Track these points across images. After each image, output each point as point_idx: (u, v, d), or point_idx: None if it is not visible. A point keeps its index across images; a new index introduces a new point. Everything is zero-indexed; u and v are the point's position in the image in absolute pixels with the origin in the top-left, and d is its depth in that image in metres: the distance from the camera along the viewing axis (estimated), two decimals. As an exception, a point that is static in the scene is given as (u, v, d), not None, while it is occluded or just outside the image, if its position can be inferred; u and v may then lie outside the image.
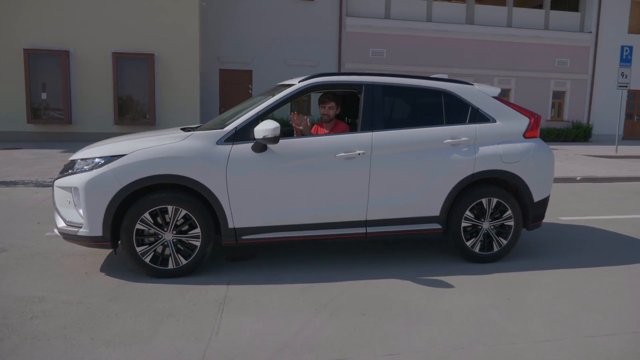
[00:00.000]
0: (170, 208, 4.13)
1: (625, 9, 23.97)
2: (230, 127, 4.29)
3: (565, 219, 7.05)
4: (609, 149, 18.97)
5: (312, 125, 5.28)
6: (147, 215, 4.10)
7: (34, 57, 16.48)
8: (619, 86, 17.11)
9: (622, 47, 17.15)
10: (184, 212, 4.16)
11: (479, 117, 4.76)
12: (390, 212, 4.51)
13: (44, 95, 16.77)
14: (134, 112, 17.34)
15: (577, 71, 23.93)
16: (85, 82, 16.99)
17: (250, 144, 4.24)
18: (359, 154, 4.39)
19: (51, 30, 16.62)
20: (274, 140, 4.09)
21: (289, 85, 4.59)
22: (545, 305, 3.83)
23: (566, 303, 3.89)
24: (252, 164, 4.19)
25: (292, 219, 4.33)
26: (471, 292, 4.05)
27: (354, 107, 5.06)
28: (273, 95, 4.52)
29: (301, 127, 4.93)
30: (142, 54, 17.12)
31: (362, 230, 4.50)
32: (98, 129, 17.16)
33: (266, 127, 4.09)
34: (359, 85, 4.60)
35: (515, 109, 4.85)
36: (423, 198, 4.56)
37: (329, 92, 4.90)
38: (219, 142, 4.22)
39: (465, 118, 4.74)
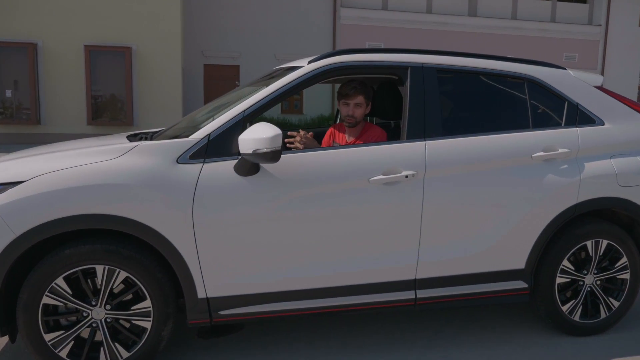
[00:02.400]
0: (100, 269, 2.53)
1: (637, 0, 23.00)
2: (199, 135, 2.68)
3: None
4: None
5: (318, 134, 3.60)
6: (60, 281, 2.50)
7: (-5, 50, 15.00)
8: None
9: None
10: (123, 274, 2.55)
11: (580, 117, 3.16)
12: (451, 266, 2.93)
13: (8, 93, 15.42)
14: (109, 111, 16.08)
15: (586, 66, 23.06)
16: (55, 78, 15.69)
17: (232, 162, 2.64)
18: (406, 176, 2.79)
19: (17, 20, 15.26)
20: (272, 156, 2.49)
21: (294, 69, 2.96)
22: None
23: None
24: (235, 195, 2.62)
25: (300, 281, 2.74)
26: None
27: (393, 102, 3.39)
28: (268, 85, 2.88)
29: (302, 146, 3.22)
30: (118, 47, 15.82)
31: (409, 295, 2.91)
32: (69, 130, 15.91)
33: (259, 135, 2.49)
34: (401, 68, 3.00)
35: (629, 105, 3.25)
36: (501, 244, 2.98)
37: (354, 80, 3.27)
38: (181, 160, 2.60)
39: (561, 118, 3.15)
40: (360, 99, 3.23)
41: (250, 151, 2.50)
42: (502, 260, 3.01)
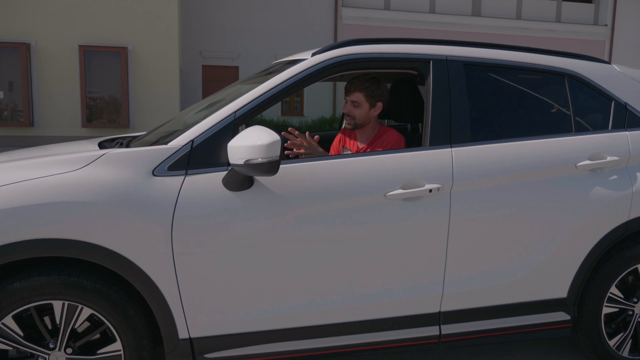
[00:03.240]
0: (58, 305, 2.08)
1: (644, -1, 22.75)
2: (180, 141, 2.23)
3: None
4: None
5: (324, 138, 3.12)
6: (9, 321, 2.06)
7: (-13, 50, 14.67)
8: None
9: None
10: (87, 311, 2.10)
11: (630, 118, 2.72)
12: (481, 296, 2.48)
13: (0, 94, 15.05)
14: (105, 113, 15.71)
15: (592, 67, 22.56)
16: (49, 79, 15.30)
17: (221, 174, 2.19)
18: (429, 190, 2.34)
19: (9, 19, 14.88)
20: (269, 167, 2.04)
21: (295, 63, 2.50)
22: None
23: None
24: (224, 215, 2.19)
25: (304, 317, 2.29)
26: None
27: (410, 102, 2.92)
28: (265, 81, 2.42)
29: (302, 150, 2.77)
30: (114, 47, 15.43)
31: (432, 331, 2.46)
32: (64, 132, 15.55)
33: (252, 142, 2.05)
34: (422, 61, 2.55)
35: (684, 105, 2.80)
36: (540, 269, 2.53)
37: (363, 75, 2.81)
38: (158, 171, 2.16)
39: (608, 121, 2.69)
40: (357, 96, 2.76)
41: (241, 161, 2.05)
42: (541, 288, 2.55)
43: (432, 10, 21.16)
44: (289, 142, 2.71)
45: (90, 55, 15.32)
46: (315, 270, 2.28)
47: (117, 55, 15.48)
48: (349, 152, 2.95)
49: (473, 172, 2.45)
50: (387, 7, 20.73)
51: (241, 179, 2.15)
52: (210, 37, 18.82)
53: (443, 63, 2.57)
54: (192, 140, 2.21)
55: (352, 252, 2.32)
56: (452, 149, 2.48)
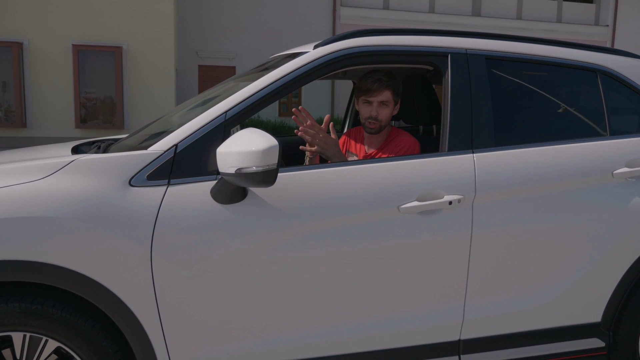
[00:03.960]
0: (18, 337, 1.79)
1: (645, -1, 22.64)
2: (162, 146, 1.94)
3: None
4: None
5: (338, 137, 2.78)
6: (-41, 357, 1.75)
7: (-22, 50, 14.38)
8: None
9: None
10: (53, 344, 1.81)
11: (669, 120, 2.42)
12: (507, 322, 2.21)
13: None
14: (99, 114, 15.45)
15: (594, 68, 22.47)
16: (42, 79, 15.01)
17: (209, 184, 1.90)
18: (449, 202, 2.05)
19: (1, 18, 14.65)
20: (264, 177, 1.76)
21: (295, 56, 2.21)
22: None
23: None
24: (212, 231, 1.90)
25: (306, 348, 2.02)
26: None
27: (424, 101, 2.62)
28: (258, 78, 2.13)
29: (315, 144, 2.37)
30: (108, 47, 15.16)
31: (451, 362, 2.16)
32: (57, 133, 15.21)
33: (245, 147, 1.77)
34: (438, 55, 2.27)
35: None
36: (572, 291, 2.26)
37: (378, 71, 2.52)
38: (135, 181, 1.87)
39: (645, 123, 2.40)
40: (387, 95, 2.47)
41: (232, 170, 1.76)
42: (573, 312, 2.27)
43: (431, 10, 20.95)
44: (300, 131, 2.34)
45: (84, 54, 15.05)
46: (319, 295, 1.99)
47: (112, 55, 15.19)
48: (355, 157, 2.65)
49: (498, 181, 2.17)
50: (386, 7, 20.52)
51: (232, 190, 1.86)
52: (207, 36, 18.56)
53: (462, 57, 2.28)
54: (176, 145, 1.92)
55: (360, 274, 2.03)
56: (474, 154, 2.19)
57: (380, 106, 2.48)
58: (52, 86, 15.08)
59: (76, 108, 15.11)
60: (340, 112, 19.35)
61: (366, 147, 2.63)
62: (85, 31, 15.07)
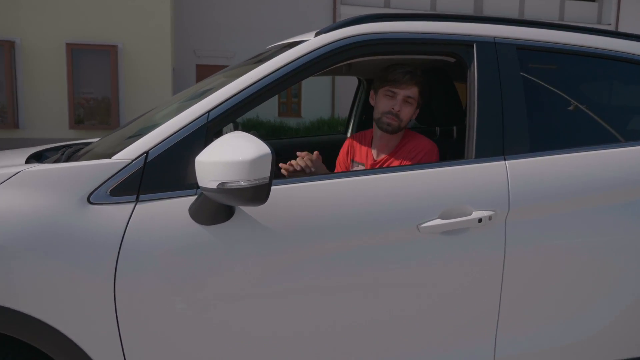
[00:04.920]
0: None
1: (648, -2, 22.50)
2: (129, 154, 1.58)
3: None
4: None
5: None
6: None
7: (-32, 49, 14.12)
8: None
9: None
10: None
11: None
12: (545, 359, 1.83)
13: None
14: (94, 114, 15.15)
15: (597, 67, 22.37)
16: (35, 79, 14.71)
17: (187, 201, 1.54)
18: (479, 220, 1.71)
19: None
20: (254, 194, 1.39)
21: (295, 45, 1.85)
22: None
23: None
24: (190, 259, 1.54)
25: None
26: None
27: (442, 99, 2.27)
28: (250, 71, 1.77)
29: (300, 168, 2.14)
30: (103, 46, 14.86)
31: (480, 411, 1.81)
32: (50, 134, 14.89)
33: (229, 157, 1.40)
34: (462, 45, 1.94)
35: None
36: (623, 321, 1.92)
37: (406, 66, 2.17)
38: (95, 197, 1.51)
39: None
40: (414, 91, 2.14)
41: (214, 184, 1.40)
42: (622, 345, 1.92)
43: (433, 9, 20.67)
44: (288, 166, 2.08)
45: (78, 53, 14.74)
46: (320, 332, 1.64)
47: (107, 54, 14.89)
48: (362, 167, 2.30)
49: (535, 193, 1.82)
50: (387, 5, 20.23)
51: (215, 209, 1.50)
52: (205, 35, 18.27)
53: (490, 47, 1.93)
54: (146, 153, 1.56)
55: (370, 307, 1.68)
56: (507, 162, 1.84)
57: (404, 102, 2.14)
58: (45, 86, 14.78)
59: (70, 108, 14.84)
60: (341, 112, 18.97)
61: (374, 154, 2.27)
62: (79, 29, 14.77)
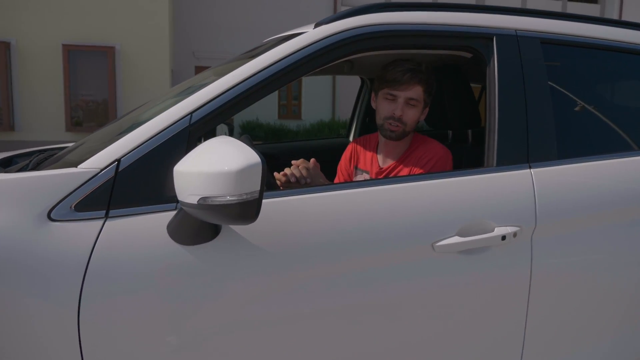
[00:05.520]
0: None
1: (652, -1, 22.43)
2: (97, 162, 1.35)
3: None
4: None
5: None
6: None
7: (-37, 50, 13.96)
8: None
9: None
10: None
11: None
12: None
13: None
14: (91, 117, 14.94)
15: (601, 69, 22.33)
16: (31, 80, 14.54)
17: (166, 216, 1.32)
18: (502, 237, 1.48)
19: None
20: (241, 211, 1.16)
21: (292, 38, 1.63)
22: None
23: None
24: (170, 285, 1.32)
25: None
26: None
27: (455, 99, 2.05)
28: (242, 66, 1.55)
29: (294, 179, 1.90)
30: (100, 47, 14.71)
31: None
32: (46, 137, 14.71)
33: (214, 167, 1.17)
34: (479, 38, 1.72)
35: None
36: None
37: (409, 61, 1.94)
38: (57, 213, 1.29)
39: None
40: (417, 91, 1.90)
41: (194, 199, 1.17)
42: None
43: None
44: (284, 171, 1.83)
45: (75, 55, 14.57)
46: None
47: (104, 55, 14.72)
48: (366, 175, 2.08)
49: (566, 205, 1.60)
50: (388, 6, 20.14)
51: (197, 227, 1.28)
52: (204, 36, 18.09)
53: (512, 40, 1.71)
54: (118, 161, 1.34)
55: (383, 334, 1.45)
56: (532, 170, 1.62)
57: (407, 105, 1.90)
58: (41, 88, 14.60)
59: (66, 110, 14.68)
60: (342, 114, 18.71)
61: (380, 161, 2.04)
62: (76, 30, 14.59)
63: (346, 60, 2.72)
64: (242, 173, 1.13)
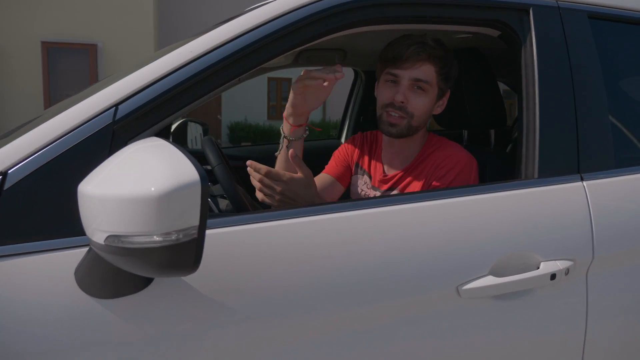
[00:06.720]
0: None
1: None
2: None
3: None
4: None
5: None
6: None
7: None
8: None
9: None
10: None
11: None
12: None
13: None
14: (71, 117, 14.62)
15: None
16: (8, 80, 14.30)
17: (76, 255, 0.86)
18: (552, 276, 1.06)
19: None
20: (174, 258, 0.69)
21: (260, 6, 1.20)
22: None
23: None
24: (74, 354, 0.82)
25: None
26: None
27: (477, 91, 1.64)
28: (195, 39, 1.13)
29: (276, 194, 1.31)
30: (82, 45, 14.44)
31: None
32: (25, 138, 14.46)
33: (129, 187, 0.70)
34: (512, 9, 1.28)
35: None
36: None
37: (423, 37, 1.49)
38: None
39: None
40: (427, 71, 1.47)
41: (100, 239, 0.74)
42: None
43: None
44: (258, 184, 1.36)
45: (54, 53, 14.33)
46: None
47: (86, 53, 14.45)
48: (367, 179, 1.65)
49: (632, 228, 1.19)
50: None
51: (114, 274, 0.86)
52: (190, 34, 17.81)
53: (553, 13, 1.30)
54: (3, 174, 0.91)
55: None
56: (585, 182, 1.21)
57: (412, 88, 1.45)
58: (19, 87, 14.28)
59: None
60: (333, 115, 18.20)
61: (385, 166, 1.61)
62: (56, 27, 14.31)
63: (337, 49, 2.31)
64: (168, 199, 0.68)
